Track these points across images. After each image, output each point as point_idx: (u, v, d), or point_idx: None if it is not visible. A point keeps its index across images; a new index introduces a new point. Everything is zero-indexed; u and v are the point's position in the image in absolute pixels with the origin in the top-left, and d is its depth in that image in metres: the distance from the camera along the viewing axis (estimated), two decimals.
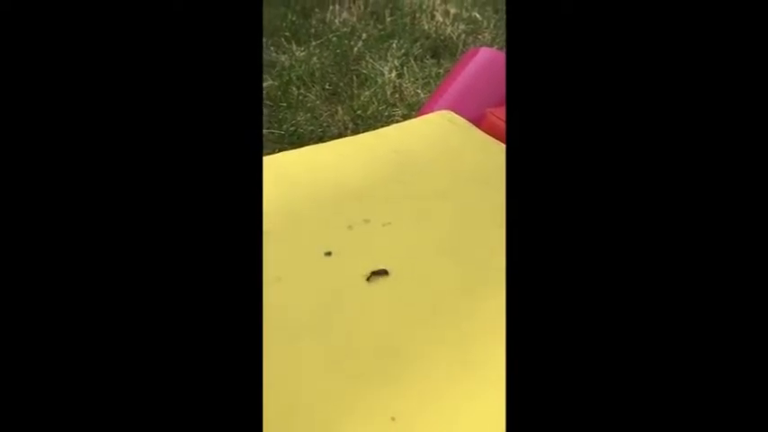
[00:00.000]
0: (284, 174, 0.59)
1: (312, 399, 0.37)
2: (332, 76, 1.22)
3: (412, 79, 1.24)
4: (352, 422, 0.36)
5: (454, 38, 1.41)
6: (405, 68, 1.27)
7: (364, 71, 1.25)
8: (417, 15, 1.48)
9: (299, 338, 0.41)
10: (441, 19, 1.48)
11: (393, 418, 0.36)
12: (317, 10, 1.44)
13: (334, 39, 1.33)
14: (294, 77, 1.19)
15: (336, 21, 1.41)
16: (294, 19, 1.39)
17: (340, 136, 1.03)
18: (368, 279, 0.46)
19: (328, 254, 0.49)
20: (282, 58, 1.26)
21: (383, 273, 0.46)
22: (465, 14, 1.51)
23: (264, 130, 1.03)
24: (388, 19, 1.45)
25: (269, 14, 1.38)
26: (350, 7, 1.48)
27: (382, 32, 1.39)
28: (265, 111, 1.10)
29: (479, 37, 1.44)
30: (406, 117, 1.13)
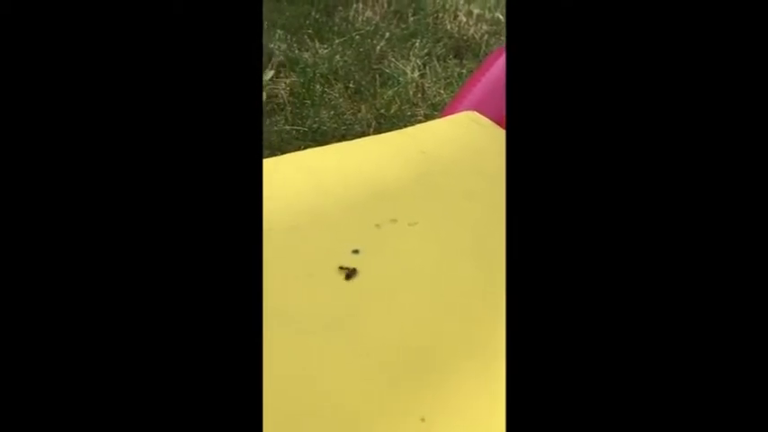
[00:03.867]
0: (311, 170, 0.59)
1: (342, 397, 0.37)
2: (355, 74, 1.22)
3: (434, 79, 1.24)
4: (383, 421, 0.36)
5: (477, 38, 1.41)
6: (427, 68, 1.27)
7: (387, 70, 1.25)
8: (440, 15, 1.48)
9: (328, 336, 0.41)
10: (464, 19, 1.47)
11: (423, 419, 0.36)
12: (340, 8, 1.45)
13: (357, 37, 1.33)
14: (317, 75, 1.19)
15: (359, 19, 1.42)
16: (318, 17, 1.39)
17: (363, 134, 1.03)
18: (346, 277, 0.45)
19: (356, 252, 0.50)
20: (306, 55, 1.26)
21: (353, 272, 0.46)
22: (488, 15, 1.51)
23: (288, 127, 1.04)
24: (411, 18, 1.45)
25: (292, 12, 1.38)
26: (373, 6, 1.48)
27: (405, 32, 1.39)
28: (289, 107, 1.10)
29: (502, 38, 1.44)
30: (428, 116, 1.13)
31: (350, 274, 0.46)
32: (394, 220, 0.53)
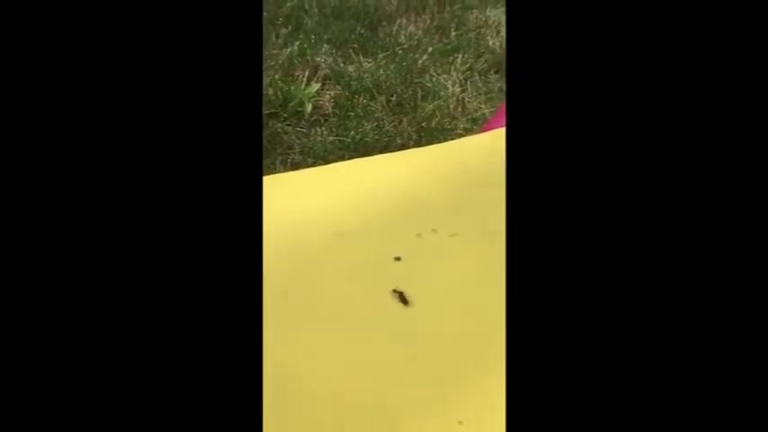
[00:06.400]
0: (355, 179, 0.61)
1: (384, 398, 0.39)
2: (397, 87, 1.25)
3: (475, 94, 1.25)
4: (422, 422, 0.38)
5: None
6: (468, 83, 1.28)
7: (428, 84, 1.27)
8: (482, 31, 1.50)
9: (369, 338, 0.43)
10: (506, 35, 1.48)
11: (460, 422, 0.38)
12: (384, 23, 1.48)
13: (400, 52, 1.36)
14: (361, 88, 1.23)
15: (403, 34, 1.45)
16: (362, 32, 1.43)
17: (404, 146, 1.06)
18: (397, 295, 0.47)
19: (398, 259, 0.51)
20: (350, 68, 1.30)
21: (403, 299, 0.47)
22: None
23: (332, 137, 1.07)
24: (454, 33, 1.47)
25: (338, 27, 1.43)
26: (416, 21, 1.51)
27: (447, 47, 1.41)
28: (334, 119, 1.14)
29: None
30: (467, 130, 1.14)
31: (403, 299, 0.47)
32: (435, 231, 0.55)
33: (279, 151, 1.08)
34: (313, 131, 1.13)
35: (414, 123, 1.15)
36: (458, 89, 1.25)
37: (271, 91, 1.21)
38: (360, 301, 0.46)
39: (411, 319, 0.45)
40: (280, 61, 1.31)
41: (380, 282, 0.48)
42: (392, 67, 1.31)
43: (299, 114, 1.19)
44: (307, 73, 1.28)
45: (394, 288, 0.47)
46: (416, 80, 1.28)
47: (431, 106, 1.19)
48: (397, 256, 0.51)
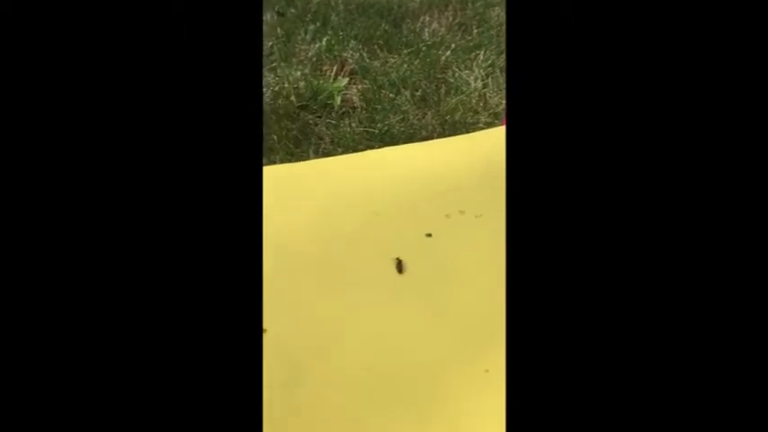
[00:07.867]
0: (388, 165, 0.67)
1: (417, 352, 0.45)
2: (421, 82, 1.31)
3: (496, 89, 1.30)
4: (452, 369, 0.44)
5: None
6: (490, 79, 1.33)
7: (451, 80, 1.32)
8: (504, 28, 1.54)
9: (405, 302, 0.50)
10: None
11: (487, 370, 0.44)
12: (408, 20, 1.53)
13: (424, 48, 1.42)
14: (387, 82, 1.28)
15: (426, 31, 1.50)
16: (387, 28, 1.49)
17: (428, 138, 1.11)
18: (399, 270, 0.52)
19: (429, 235, 0.58)
20: (376, 64, 1.36)
21: (399, 265, 0.52)
22: None
23: (360, 129, 1.13)
24: (476, 30, 1.51)
25: (364, 24, 1.48)
26: (439, 18, 1.56)
27: (469, 43, 1.46)
28: (361, 111, 1.20)
29: None
30: (489, 124, 1.19)
31: (399, 267, 0.53)
32: (462, 212, 0.61)
33: (311, 141, 1.15)
34: (342, 123, 1.19)
35: (437, 117, 1.20)
36: (480, 84, 1.30)
37: (302, 84, 1.28)
38: (395, 271, 0.52)
39: (441, 285, 0.51)
40: (309, 55, 1.37)
41: (414, 254, 0.55)
42: (416, 62, 1.36)
43: (328, 107, 1.25)
44: (335, 68, 1.34)
45: (398, 256, 0.53)
46: (440, 76, 1.34)
47: (454, 101, 1.25)
48: (428, 232, 0.58)
